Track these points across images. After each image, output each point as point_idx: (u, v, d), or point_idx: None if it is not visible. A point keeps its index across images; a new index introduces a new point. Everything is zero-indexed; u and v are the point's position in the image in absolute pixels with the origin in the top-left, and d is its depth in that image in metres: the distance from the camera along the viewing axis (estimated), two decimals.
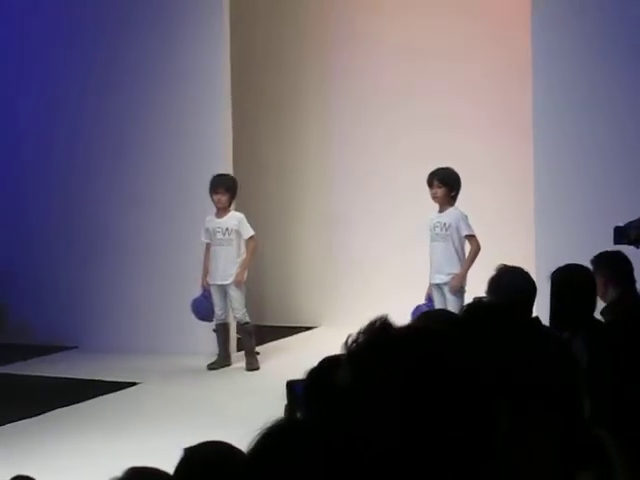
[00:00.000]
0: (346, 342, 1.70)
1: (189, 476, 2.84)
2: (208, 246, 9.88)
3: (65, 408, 8.57)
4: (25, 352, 10.57)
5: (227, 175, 9.99)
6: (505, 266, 5.52)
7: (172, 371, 9.78)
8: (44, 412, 8.41)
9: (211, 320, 9.87)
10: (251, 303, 10.33)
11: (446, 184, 8.91)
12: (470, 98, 11.01)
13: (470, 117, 11.02)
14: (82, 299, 11.03)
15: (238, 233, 9.84)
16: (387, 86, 11.42)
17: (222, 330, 9.92)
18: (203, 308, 9.82)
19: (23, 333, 11.20)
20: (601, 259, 6.09)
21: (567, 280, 5.46)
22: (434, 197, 8.97)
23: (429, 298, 9.00)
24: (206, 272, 9.87)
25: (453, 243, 8.94)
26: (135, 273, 10.77)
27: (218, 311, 9.82)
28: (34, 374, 9.80)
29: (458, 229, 8.92)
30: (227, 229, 9.82)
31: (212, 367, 9.82)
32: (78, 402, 8.73)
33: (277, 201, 11.73)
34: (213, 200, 9.82)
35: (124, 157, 10.82)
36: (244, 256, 9.87)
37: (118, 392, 9.10)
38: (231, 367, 9.90)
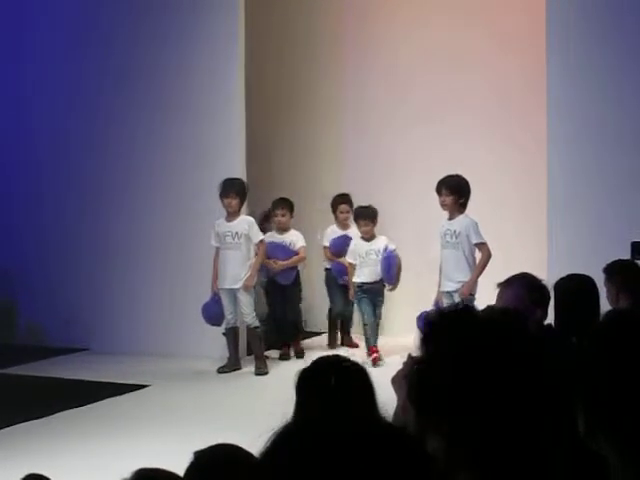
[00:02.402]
0: (426, 317, 1.72)
1: (199, 479, 2.84)
2: (218, 250, 9.87)
3: (75, 409, 8.56)
4: (36, 354, 10.59)
5: (237, 179, 9.95)
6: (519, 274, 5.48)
7: (182, 374, 9.79)
8: (54, 413, 8.41)
9: (220, 324, 9.87)
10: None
11: (454, 192, 8.90)
12: (484, 108, 11.00)
13: (484, 126, 11.00)
14: (93, 301, 11.04)
15: (248, 237, 9.81)
16: (400, 97, 11.40)
17: (232, 334, 9.91)
18: (213, 312, 9.82)
19: (34, 335, 11.23)
20: (614, 268, 6.07)
21: (570, 289, 5.44)
22: (443, 205, 8.98)
23: (437, 304, 8.97)
24: (216, 276, 9.86)
25: (463, 251, 8.94)
26: (146, 276, 10.78)
27: (228, 315, 9.82)
28: (45, 375, 9.80)
29: (468, 237, 8.91)
30: (237, 233, 9.79)
31: (222, 370, 9.82)
32: (88, 404, 8.73)
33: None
34: (223, 204, 9.81)
35: (138, 159, 10.81)
36: (253, 260, 9.85)
37: (128, 394, 9.09)
38: (241, 371, 9.90)
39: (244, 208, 10.08)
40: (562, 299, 5.37)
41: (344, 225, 10.73)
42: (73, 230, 11.16)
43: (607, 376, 1.80)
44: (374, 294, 10.15)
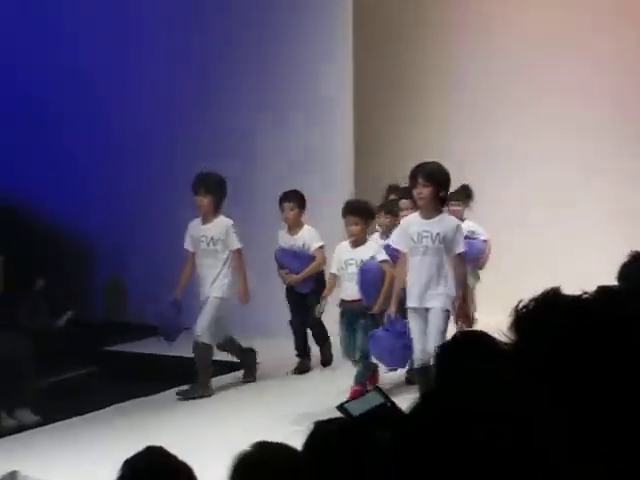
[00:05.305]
0: (516, 307, 1.77)
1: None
2: (190, 256, 8.52)
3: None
4: (145, 331, 10.71)
5: (212, 174, 8.51)
6: (639, 253, 5.05)
7: None
8: (168, 389, 8.63)
9: (171, 335, 8.60)
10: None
11: (434, 182, 7.10)
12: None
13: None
14: None
15: (225, 243, 8.45)
16: (504, 87, 11.24)
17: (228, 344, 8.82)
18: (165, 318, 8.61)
19: (144, 313, 11.37)
20: None
21: None
22: (418, 197, 7.20)
23: (390, 319, 7.33)
24: (181, 283, 8.56)
25: (445, 258, 7.19)
26: None
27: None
28: (155, 353, 9.63)
29: (452, 243, 7.20)
30: (212, 238, 8.43)
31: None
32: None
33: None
34: (195, 202, 8.50)
35: (243, 158, 10.47)
36: (230, 269, 8.46)
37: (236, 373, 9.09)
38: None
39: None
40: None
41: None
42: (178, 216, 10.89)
43: None
44: (351, 316, 7.98)
